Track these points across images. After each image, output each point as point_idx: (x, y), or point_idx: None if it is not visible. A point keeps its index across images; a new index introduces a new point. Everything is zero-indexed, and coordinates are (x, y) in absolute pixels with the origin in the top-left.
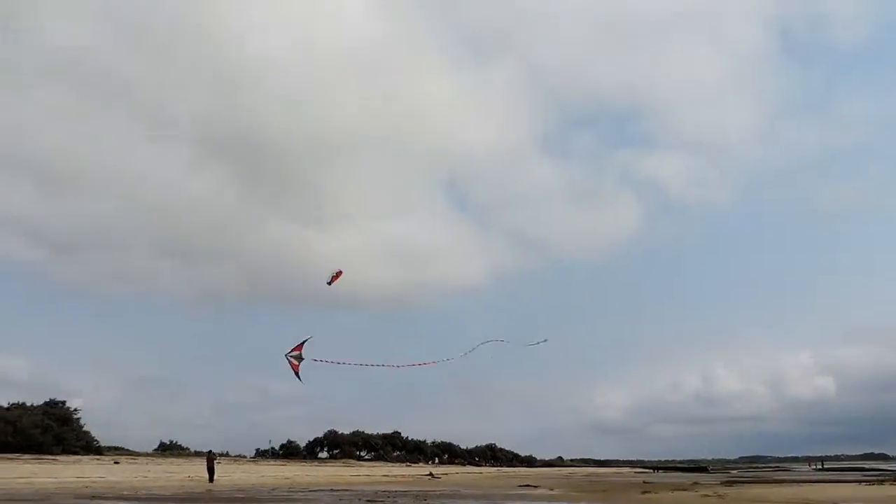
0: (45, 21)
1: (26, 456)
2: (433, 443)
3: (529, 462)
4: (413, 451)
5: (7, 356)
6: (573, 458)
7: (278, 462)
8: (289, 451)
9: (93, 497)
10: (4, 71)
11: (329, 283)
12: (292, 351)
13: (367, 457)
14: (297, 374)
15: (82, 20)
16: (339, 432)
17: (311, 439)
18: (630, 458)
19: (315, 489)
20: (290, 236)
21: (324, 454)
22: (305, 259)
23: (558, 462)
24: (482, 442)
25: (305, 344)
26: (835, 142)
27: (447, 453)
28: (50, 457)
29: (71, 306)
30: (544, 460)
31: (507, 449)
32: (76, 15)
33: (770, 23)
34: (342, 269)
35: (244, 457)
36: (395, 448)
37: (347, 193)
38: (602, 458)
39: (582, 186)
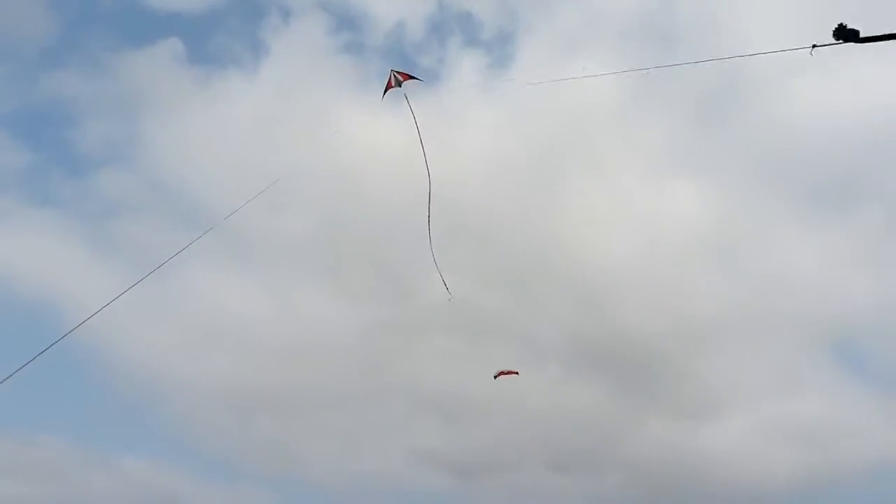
0: (425, 281)
1: None
2: None
3: None
4: None
5: None
6: None
7: None
8: None
9: None
10: (398, 327)
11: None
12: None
13: None
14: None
15: (455, 275)
16: None
17: None
18: None
19: None
20: (673, 433)
21: None
22: (692, 455)
23: None
24: None
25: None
26: None
27: None
28: None
29: None
30: None
31: None
32: (450, 271)
33: None
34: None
35: None
36: None
37: (723, 381)
38: None
39: None
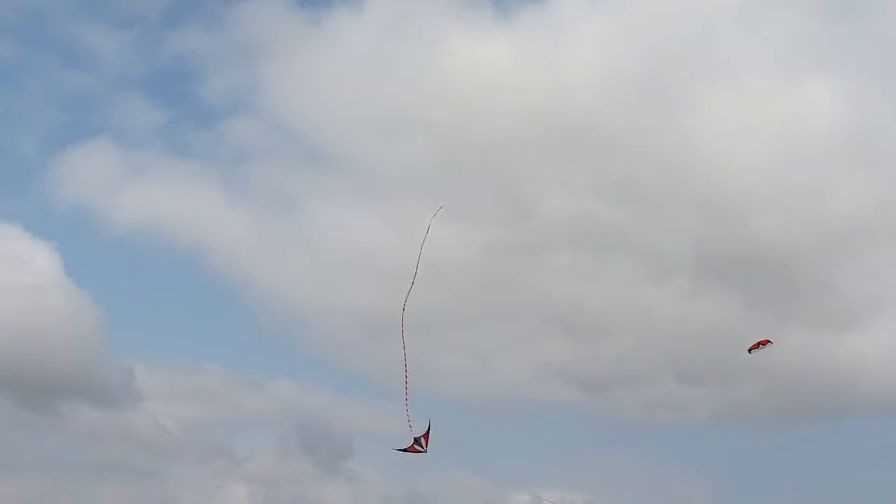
0: (545, 197)
1: None
2: None
3: None
4: None
5: (566, 489)
6: None
7: None
8: None
9: None
10: (521, 245)
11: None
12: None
13: None
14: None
15: (576, 190)
16: None
17: None
18: None
19: None
20: (809, 343)
21: None
22: (834, 364)
23: None
24: None
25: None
26: None
27: None
28: None
29: (610, 439)
30: None
31: None
32: (570, 187)
33: None
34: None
35: None
36: None
37: (866, 285)
38: None
39: None
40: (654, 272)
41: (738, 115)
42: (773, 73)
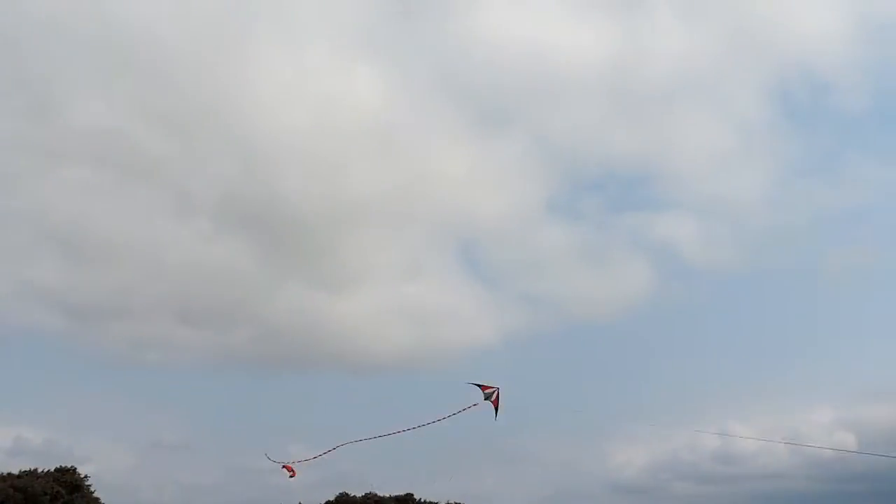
0: (76, 101)
1: None
2: None
3: None
4: None
5: (23, 425)
6: None
7: None
8: None
9: None
10: (36, 146)
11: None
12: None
13: None
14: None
15: (114, 104)
16: (351, 495)
17: (323, 502)
18: None
19: None
20: (306, 301)
21: None
22: (321, 323)
23: None
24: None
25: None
26: (840, 204)
27: None
28: None
29: (90, 374)
30: None
31: None
32: (105, 98)
33: (773, 91)
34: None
35: None
36: None
37: (361, 259)
38: None
39: (592, 248)
40: (176, 208)
41: (291, 81)
42: (331, 51)
